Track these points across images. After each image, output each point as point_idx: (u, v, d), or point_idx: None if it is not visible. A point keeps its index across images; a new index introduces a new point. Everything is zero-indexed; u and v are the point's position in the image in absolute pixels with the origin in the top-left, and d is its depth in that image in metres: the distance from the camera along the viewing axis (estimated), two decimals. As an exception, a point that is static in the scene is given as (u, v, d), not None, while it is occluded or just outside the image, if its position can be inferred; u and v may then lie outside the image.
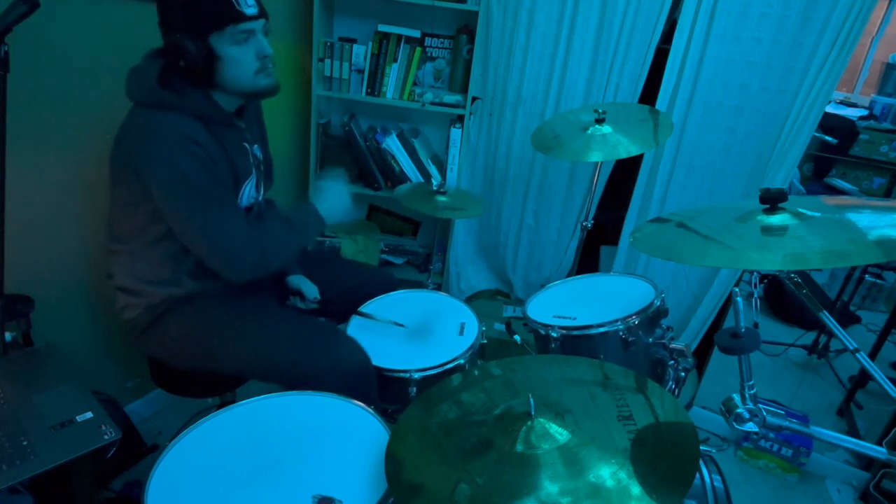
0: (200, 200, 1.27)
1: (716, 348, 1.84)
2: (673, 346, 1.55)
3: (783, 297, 3.14)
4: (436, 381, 1.38)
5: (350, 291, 1.72)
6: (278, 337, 1.42)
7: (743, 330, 0.91)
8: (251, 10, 1.27)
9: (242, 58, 1.29)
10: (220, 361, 1.42)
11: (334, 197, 1.57)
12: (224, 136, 1.34)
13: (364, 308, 1.67)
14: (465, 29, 2.45)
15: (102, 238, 1.44)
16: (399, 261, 2.84)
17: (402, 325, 1.60)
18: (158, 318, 1.41)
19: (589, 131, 1.93)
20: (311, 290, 1.63)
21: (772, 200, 0.97)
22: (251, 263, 1.34)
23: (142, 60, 1.31)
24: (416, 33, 2.40)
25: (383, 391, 1.45)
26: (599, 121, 1.92)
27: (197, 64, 1.25)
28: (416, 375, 1.43)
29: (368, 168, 2.57)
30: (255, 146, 1.48)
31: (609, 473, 0.83)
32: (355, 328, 1.59)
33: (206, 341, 1.41)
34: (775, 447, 2.16)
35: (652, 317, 1.54)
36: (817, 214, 0.95)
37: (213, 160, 1.28)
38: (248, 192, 1.45)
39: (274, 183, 1.65)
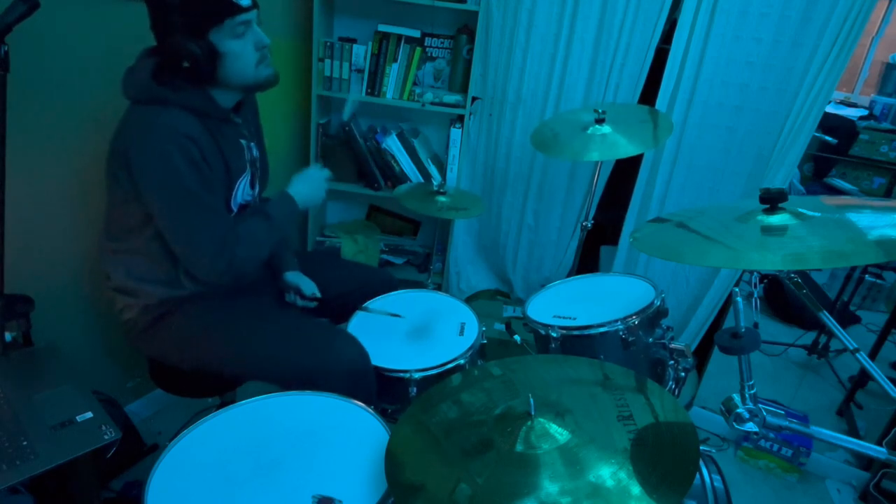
0: (183, 201, 1.27)
1: (716, 348, 1.84)
2: (673, 346, 1.55)
3: (783, 297, 3.14)
4: (436, 381, 1.39)
5: (350, 293, 1.72)
6: (277, 337, 1.42)
7: (743, 330, 0.91)
8: (246, 2, 1.27)
9: (243, 51, 1.30)
10: (219, 362, 1.42)
11: (312, 183, 1.57)
12: (220, 132, 1.34)
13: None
14: (465, 29, 2.45)
15: (98, 237, 1.44)
16: (399, 261, 2.84)
17: (398, 316, 1.61)
18: (157, 319, 1.41)
19: (589, 131, 1.92)
20: (308, 286, 1.62)
21: (772, 200, 0.97)
22: (219, 272, 1.33)
23: (136, 60, 1.31)
24: (416, 33, 2.40)
25: (383, 391, 1.44)
26: (599, 121, 1.92)
27: (200, 63, 1.25)
28: (416, 375, 1.43)
29: (368, 168, 2.57)
30: (252, 143, 1.48)
31: (609, 473, 0.83)
32: (354, 329, 1.59)
33: (205, 342, 1.41)
34: (775, 447, 2.16)
35: (652, 317, 1.54)
36: (817, 214, 0.95)
37: (205, 158, 1.28)
38: (243, 190, 1.44)
39: (272, 183, 1.65)
